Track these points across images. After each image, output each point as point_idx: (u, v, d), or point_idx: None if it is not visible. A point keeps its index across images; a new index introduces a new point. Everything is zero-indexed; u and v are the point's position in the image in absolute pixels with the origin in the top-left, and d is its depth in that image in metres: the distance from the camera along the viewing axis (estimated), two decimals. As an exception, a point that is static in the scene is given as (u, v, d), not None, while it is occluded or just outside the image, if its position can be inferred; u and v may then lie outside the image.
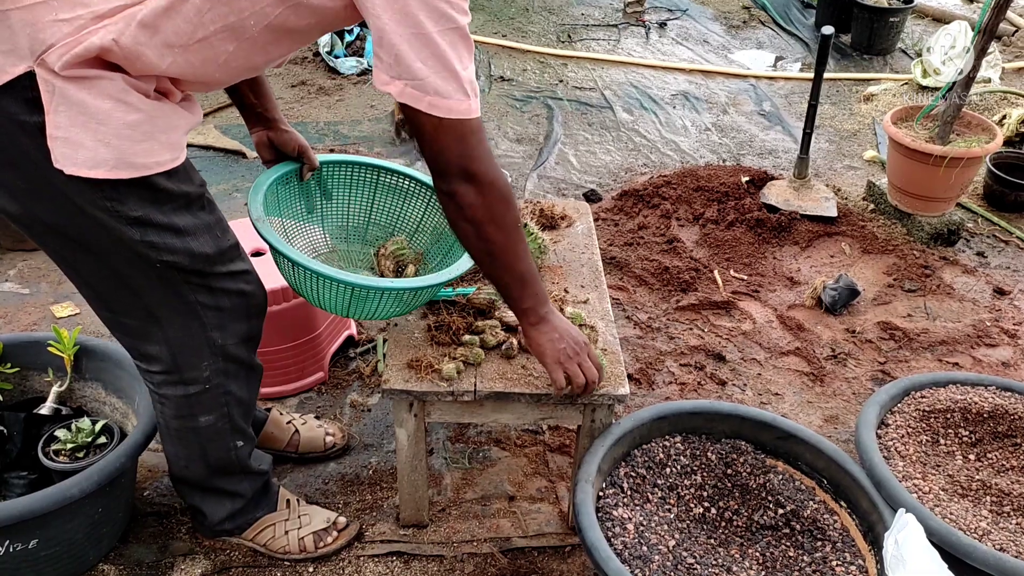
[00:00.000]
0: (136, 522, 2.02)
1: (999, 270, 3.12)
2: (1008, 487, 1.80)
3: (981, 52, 2.99)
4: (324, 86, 4.38)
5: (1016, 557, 1.62)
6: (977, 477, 1.83)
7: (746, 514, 1.82)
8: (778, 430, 1.90)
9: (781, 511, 1.81)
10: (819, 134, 4.07)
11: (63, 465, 1.84)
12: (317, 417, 2.28)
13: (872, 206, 3.45)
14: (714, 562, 1.69)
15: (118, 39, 1.29)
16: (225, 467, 1.82)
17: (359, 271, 2.03)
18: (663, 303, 2.88)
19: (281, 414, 2.19)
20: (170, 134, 1.42)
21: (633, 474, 1.83)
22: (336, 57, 4.56)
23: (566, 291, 2.05)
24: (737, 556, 1.73)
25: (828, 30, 3.13)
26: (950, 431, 1.95)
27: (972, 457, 1.90)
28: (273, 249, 1.68)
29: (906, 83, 4.53)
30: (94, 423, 1.93)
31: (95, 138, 1.32)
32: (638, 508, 1.76)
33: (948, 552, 1.60)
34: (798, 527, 1.78)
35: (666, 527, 1.74)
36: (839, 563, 1.69)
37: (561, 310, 1.94)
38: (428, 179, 2.05)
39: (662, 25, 5.38)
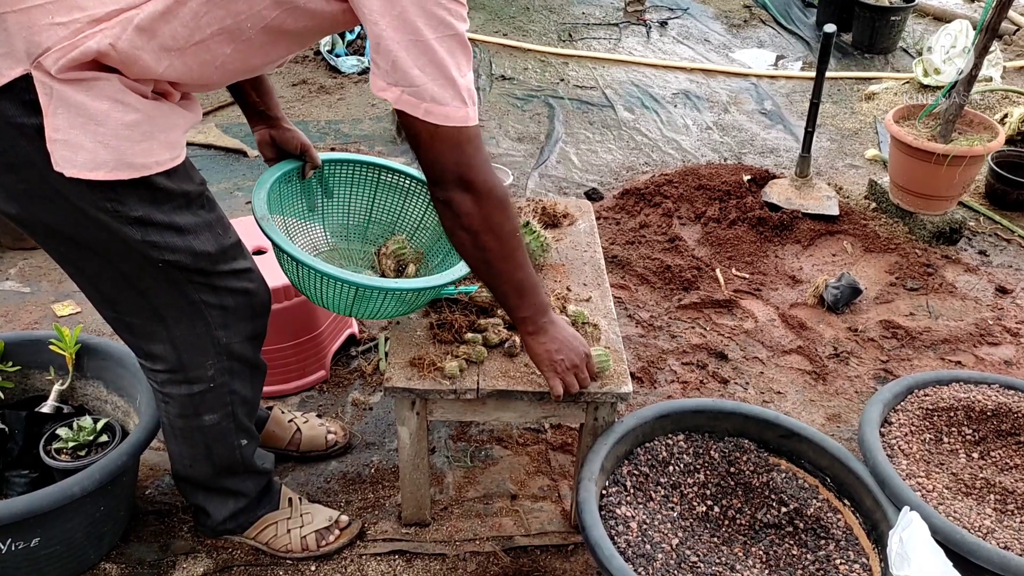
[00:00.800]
0: (137, 521, 2.01)
1: (1001, 268, 3.11)
2: (1012, 485, 1.79)
3: (982, 51, 2.99)
4: (325, 85, 4.38)
5: (1021, 555, 1.62)
6: (981, 475, 1.82)
7: (749, 512, 1.81)
8: (781, 428, 1.89)
9: (784, 509, 1.81)
10: (820, 133, 4.06)
11: (65, 464, 1.84)
12: (319, 416, 2.28)
13: (874, 205, 3.44)
14: (717, 560, 1.68)
15: (115, 43, 1.28)
16: (230, 466, 1.81)
17: (361, 270, 2.03)
18: (665, 302, 2.87)
19: (283, 412, 2.19)
20: (169, 133, 1.42)
21: (636, 472, 1.82)
22: (337, 56, 4.56)
23: (568, 289, 2.05)
24: (740, 554, 1.73)
25: (830, 28, 3.13)
26: (953, 429, 1.94)
27: (976, 455, 1.90)
28: (277, 247, 1.68)
29: (907, 82, 4.53)
30: (96, 421, 1.92)
31: (94, 139, 1.31)
32: (641, 506, 1.76)
33: (952, 550, 1.60)
34: (801, 525, 1.78)
35: (669, 525, 1.73)
36: (843, 561, 1.69)
37: (563, 308, 1.94)
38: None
39: (663, 24, 5.38)
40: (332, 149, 3.75)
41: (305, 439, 2.16)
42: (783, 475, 1.86)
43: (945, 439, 1.92)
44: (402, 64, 1.31)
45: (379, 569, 1.92)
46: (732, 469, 1.87)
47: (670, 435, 1.91)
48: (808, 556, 1.72)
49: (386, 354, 2.51)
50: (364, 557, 1.95)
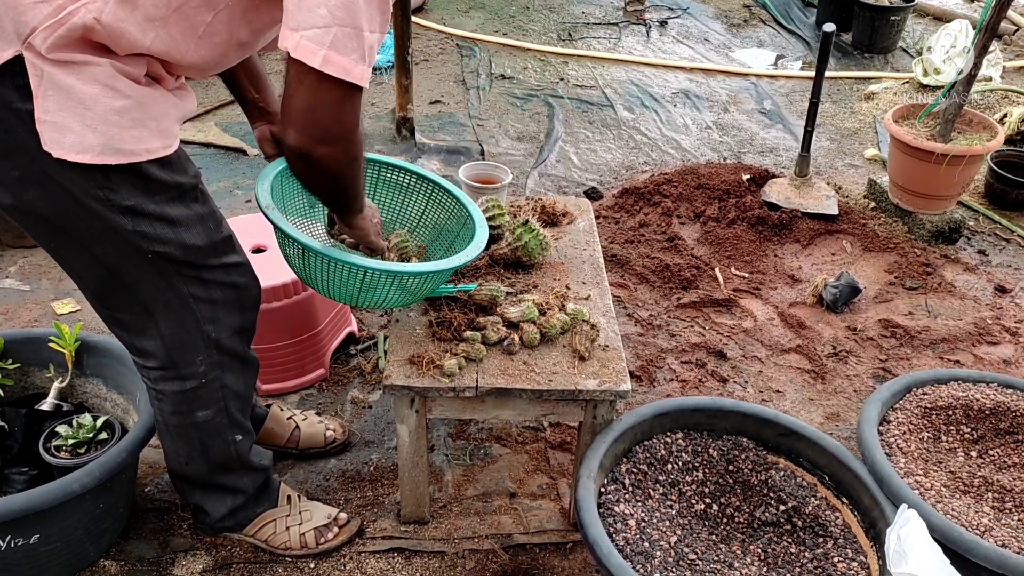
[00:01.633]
0: (137, 518, 2.01)
1: (1000, 268, 3.11)
2: (1010, 484, 1.80)
3: (982, 51, 2.99)
4: (325, 84, 4.37)
5: (1018, 553, 1.62)
6: (979, 474, 1.83)
7: (748, 510, 1.82)
8: (780, 427, 1.90)
9: (783, 507, 1.81)
10: (820, 132, 4.06)
11: (64, 461, 1.84)
12: (318, 413, 2.28)
13: (873, 204, 3.44)
14: (716, 558, 1.68)
15: (99, 17, 1.28)
16: (225, 462, 1.82)
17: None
18: (664, 301, 2.88)
19: (281, 410, 2.19)
20: (160, 121, 1.41)
21: (635, 470, 1.83)
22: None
23: (568, 288, 2.05)
24: (739, 552, 1.73)
25: (830, 27, 3.13)
26: (952, 428, 1.94)
27: (974, 454, 1.90)
28: (284, 234, 1.65)
29: (907, 82, 4.53)
30: (95, 419, 1.92)
31: (82, 123, 1.31)
32: (640, 504, 1.76)
33: (950, 548, 1.60)
34: (800, 523, 1.78)
35: (668, 523, 1.74)
36: (840, 559, 1.69)
37: (563, 307, 1.94)
38: (429, 174, 2.05)
39: (663, 24, 5.38)
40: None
41: (304, 436, 2.17)
42: (782, 473, 1.86)
43: (943, 438, 1.92)
44: (309, 1, 1.25)
45: (378, 567, 1.93)
46: (731, 467, 1.87)
47: (669, 433, 1.91)
48: (806, 554, 1.72)
49: (385, 352, 2.51)
50: (363, 555, 1.95)
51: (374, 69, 1.53)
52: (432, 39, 5.01)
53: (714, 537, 1.76)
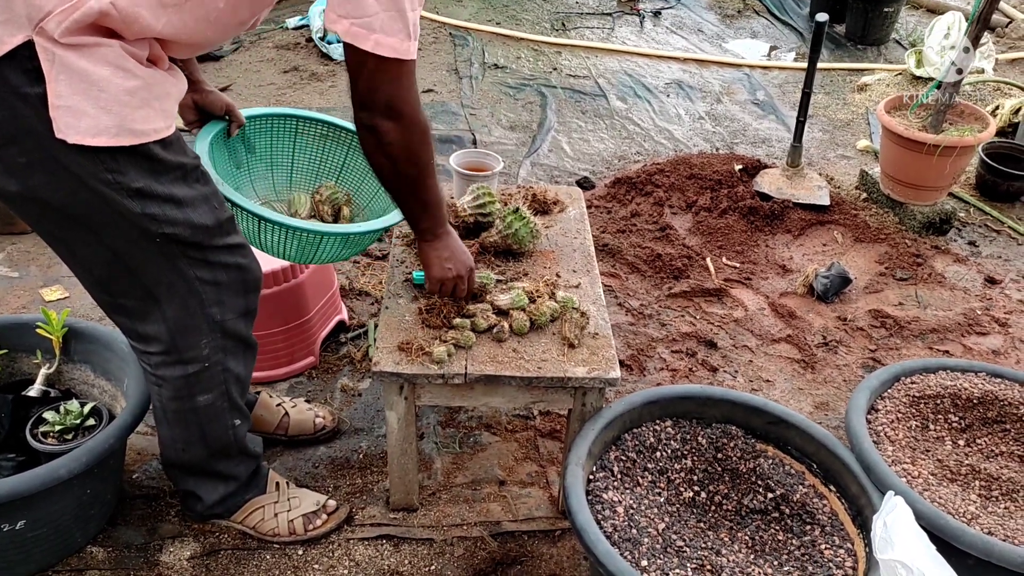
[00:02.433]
0: (125, 504, 2.01)
1: (990, 259, 3.12)
2: (997, 472, 1.80)
3: (974, 42, 2.99)
4: (317, 72, 4.36)
5: (1004, 541, 1.63)
6: (966, 462, 1.83)
7: (736, 498, 1.82)
8: (769, 415, 1.90)
9: (771, 495, 1.81)
10: (813, 123, 4.06)
11: (51, 447, 1.83)
12: (308, 401, 2.27)
13: (865, 195, 3.45)
14: (703, 545, 1.69)
15: (115, 2, 1.29)
16: (223, 448, 1.81)
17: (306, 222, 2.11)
18: (655, 290, 2.88)
19: (271, 397, 2.18)
20: (163, 101, 1.44)
21: (624, 458, 1.83)
22: (329, 43, 4.53)
23: (558, 276, 2.05)
24: (726, 539, 1.73)
25: (822, 17, 3.12)
26: (940, 416, 1.95)
27: (962, 442, 1.90)
28: (235, 205, 1.75)
29: (900, 73, 4.53)
30: (83, 405, 1.92)
31: (97, 105, 1.33)
32: (628, 491, 1.76)
33: (937, 536, 1.61)
34: (787, 511, 1.78)
35: (656, 510, 1.74)
36: (828, 546, 1.69)
37: (553, 295, 1.94)
38: (347, 124, 2.14)
39: (656, 14, 5.37)
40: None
41: (293, 423, 2.16)
42: (770, 461, 1.87)
43: (931, 426, 1.93)
44: None
45: (366, 554, 1.93)
46: (719, 455, 1.88)
47: (658, 421, 1.91)
48: (794, 541, 1.73)
49: (375, 340, 2.51)
50: (352, 541, 1.95)
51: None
52: (425, 28, 4.99)
53: (702, 524, 1.76)
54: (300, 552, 1.92)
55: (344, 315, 2.63)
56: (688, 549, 1.66)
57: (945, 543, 1.61)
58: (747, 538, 1.74)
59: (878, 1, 4.83)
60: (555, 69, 4.58)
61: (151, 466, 2.12)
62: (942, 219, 3.20)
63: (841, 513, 1.77)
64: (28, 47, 1.28)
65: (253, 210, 1.76)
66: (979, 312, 2.81)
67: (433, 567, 1.90)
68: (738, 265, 3.02)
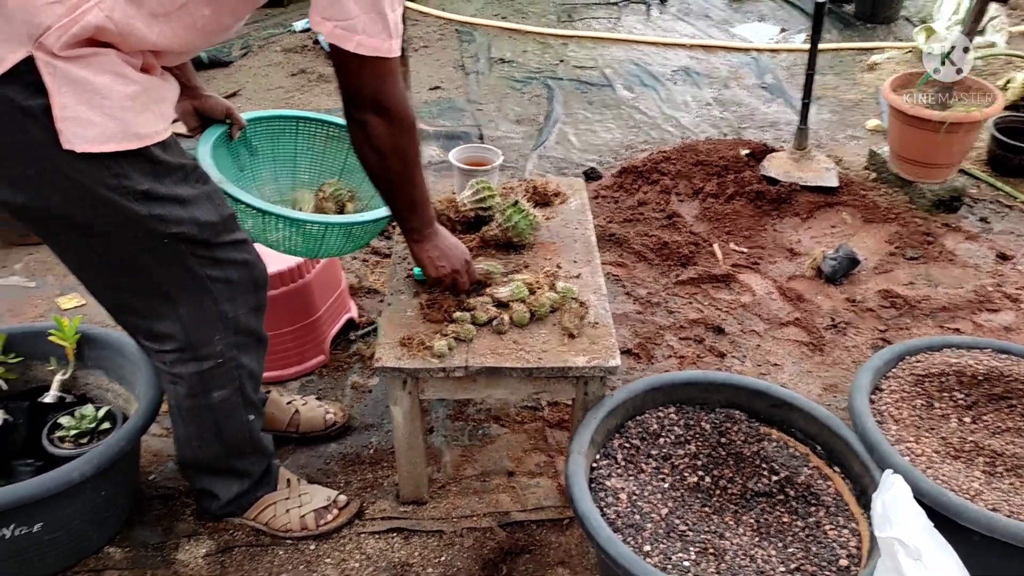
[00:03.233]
0: (142, 505, 2.05)
1: (1002, 235, 3.09)
2: (1002, 448, 1.79)
3: (979, 15, 2.96)
4: (324, 74, 4.40)
5: (1009, 516, 1.62)
6: (971, 439, 1.82)
7: (740, 482, 1.82)
8: (772, 398, 1.90)
9: (775, 478, 1.82)
10: (822, 105, 4.04)
11: (67, 451, 1.88)
12: (318, 399, 2.30)
13: (874, 175, 3.42)
14: (707, 529, 1.70)
15: (111, 15, 1.34)
16: (238, 444, 1.85)
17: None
18: (663, 278, 2.88)
19: (281, 395, 2.22)
20: (161, 105, 1.49)
21: (627, 445, 1.84)
22: (336, 44, 4.56)
23: (559, 267, 2.06)
24: (731, 523, 1.74)
25: (823, -2, 3.11)
26: (945, 394, 1.94)
27: (967, 420, 1.90)
28: (240, 203, 1.79)
29: (910, 51, 4.48)
30: (97, 409, 1.96)
31: (102, 113, 1.37)
32: (632, 478, 1.77)
33: (940, 512, 1.60)
34: (792, 493, 1.79)
35: (659, 496, 1.75)
36: (832, 527, 1.70)
37: (552, 285, 1.95)
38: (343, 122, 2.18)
39: (663, 1, 5.34)
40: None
41: (304, 420, 2.19)
42: (774, 444, 1.87)
43: (936, 404, 1.92)
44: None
45: (377, 547, 1.95)
46: (723, 440, 1.88)
47: (661, 408, 1.92)
48: (798, 523, 1.73)
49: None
50: (362, 535, 1.98)
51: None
52: (431, 25, 5.01)
53: (707, 509, 1.77)
54: (312, 547, 1.95)
55: (354, 313, 2.66)
56: (691, 533, 1.67)
57: (949, 520, 1.60)
58: (752, 521, 1.75)
59: (886, -21, 4.78)
60: (561, 61, 4.58)
61: (167, 467, 2.16)
62: (952, 196, 3.17)
63: (845, 493, 1.77)
64: (27, 62, 1.31)
65: (257, 205, 1.79)
66: (990, 288, 2.79)
67: (443, 558, 1.93)
68: (746, 250, 3.01)
